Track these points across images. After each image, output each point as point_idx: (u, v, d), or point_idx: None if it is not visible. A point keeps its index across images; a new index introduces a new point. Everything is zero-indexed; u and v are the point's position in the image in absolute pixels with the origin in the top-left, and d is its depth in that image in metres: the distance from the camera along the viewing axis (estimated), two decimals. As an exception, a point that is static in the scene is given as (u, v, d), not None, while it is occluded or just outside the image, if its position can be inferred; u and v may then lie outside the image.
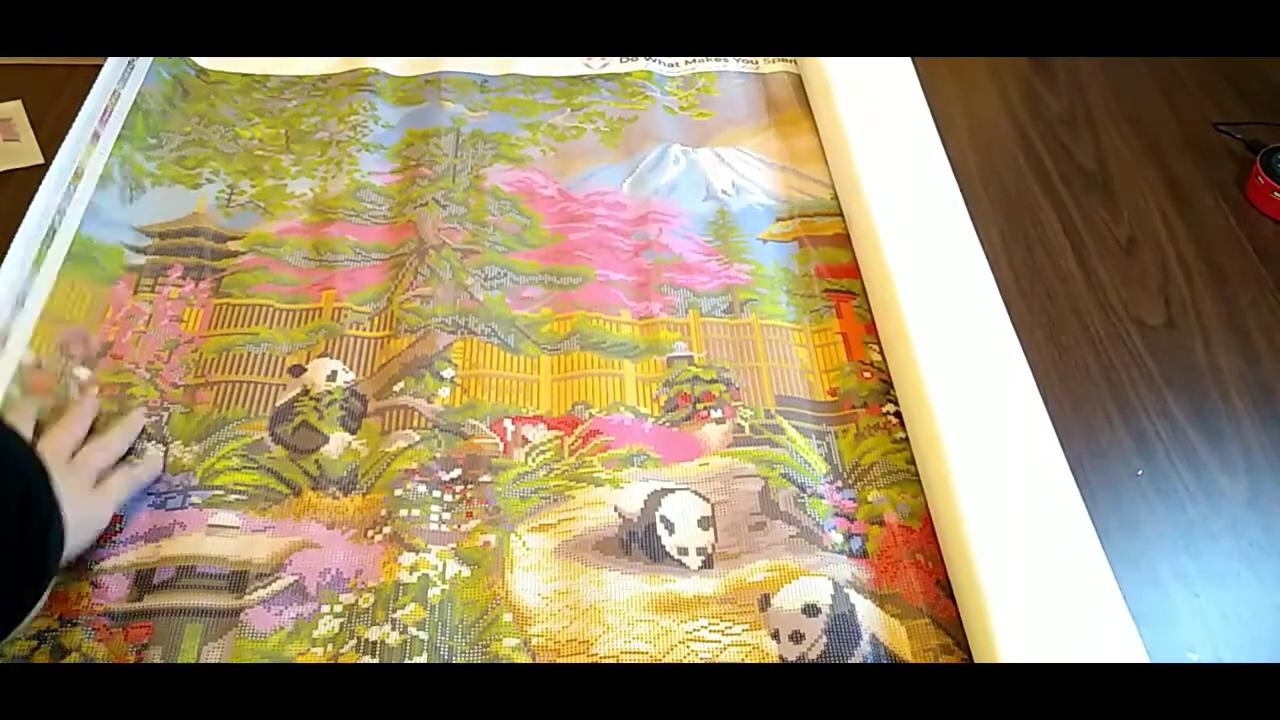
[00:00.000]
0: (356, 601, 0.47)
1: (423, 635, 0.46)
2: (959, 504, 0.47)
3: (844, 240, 0.64)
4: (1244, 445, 0.55)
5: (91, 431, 0.53)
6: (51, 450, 0.50)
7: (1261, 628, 0.48)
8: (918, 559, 0.50)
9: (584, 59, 0.75)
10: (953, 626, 0.47)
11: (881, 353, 0.58)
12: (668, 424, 0.55)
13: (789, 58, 0.76)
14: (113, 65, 0.70)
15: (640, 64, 0.75)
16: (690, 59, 0.75)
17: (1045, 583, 0.44)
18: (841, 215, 0.66)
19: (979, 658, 0.45)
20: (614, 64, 0.75)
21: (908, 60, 0.69)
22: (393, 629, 0.46)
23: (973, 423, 0.50)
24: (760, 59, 0.76)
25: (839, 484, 0.53)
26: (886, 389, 0.57)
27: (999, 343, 0.54)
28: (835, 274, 0.63)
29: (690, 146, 0.70)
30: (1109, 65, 0.80)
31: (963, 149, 0.71)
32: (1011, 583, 0.44)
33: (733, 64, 0.76)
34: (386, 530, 0.50)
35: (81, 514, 0.47)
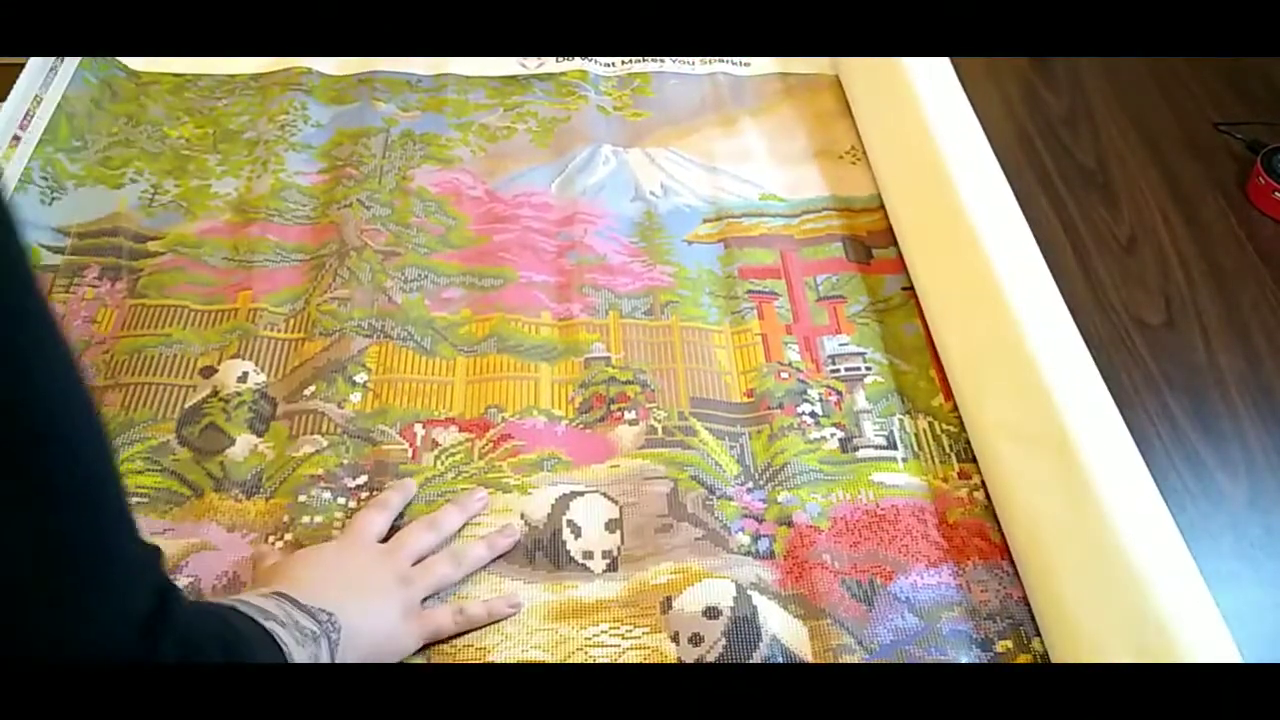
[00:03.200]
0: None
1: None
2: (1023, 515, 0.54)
3: (767, 241, 0.73)
4: (1244, 445, 0.63)
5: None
6: (358, 532, 0.55)
7: (1261, 628, 0.56)
8: (824, 559, 0.57)
9: (519, 59, 0.85)
10: (856, 625, 0.54)
11: (800, 352, 0.66)
12: (581, 425, 0.64)
13: (729, 58, 0.86)
14: (34, 68, 0.81)
15: (576, 64, 0.85)
16: (627, 59, 0.86)
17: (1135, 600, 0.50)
18: (765, 216, 0.75)
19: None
20: (549, 64, 0.85)
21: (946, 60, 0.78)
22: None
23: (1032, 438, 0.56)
24: (697, 59, 0.86)
25: (749, 485, 0.61)
26: (804, 389, 0.65)
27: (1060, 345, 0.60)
28: (759, 275, 0.71)
29: (621, 147, 0.79)
30: (1109, 65, 0.89)
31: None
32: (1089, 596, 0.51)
33: (669, 64, 0.86)
34: (288, 537, 0.57)
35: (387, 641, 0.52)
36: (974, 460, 0.61)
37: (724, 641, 0.54)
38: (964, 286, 0.62)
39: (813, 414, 0.63)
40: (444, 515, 0.58)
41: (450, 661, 0.53)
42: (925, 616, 0.54)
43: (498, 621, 0.54)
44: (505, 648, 0.54)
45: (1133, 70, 0.89)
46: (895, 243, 0.73)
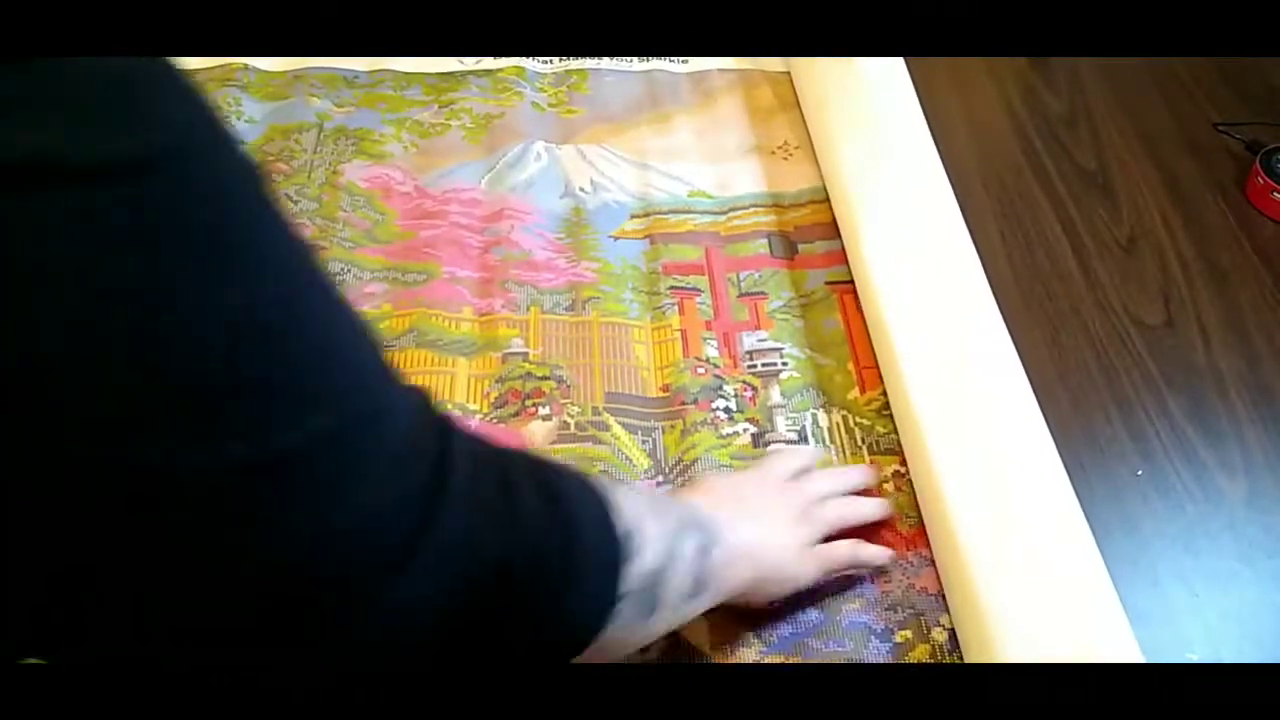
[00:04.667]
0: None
1: None
2: (950, 506, 0.59)
3: (693, 237, 0.81)
4: (1243, 445, 0.68)
5: None
6: (768, 467, 0.62)
7: (1261, 628, 0.61)
8: None
9: (458, 57, 0.93)
10: (756, 619, 0.60)
11: (718, 348, 0.74)
12: (494, 420, 0.70)
13: (670, 57, 0.94)
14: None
15: (512, 60, 0.93)
16: (564, 57, 0.93)
17: (1041, 584, 0.56)
18: (692, 213, 0.83)
19: (973, 659, 0.57)
20: (487, 60, 0.93)
21: (900, 60, 0.85)
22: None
23: (962, 423, 0.62)
24: (634, 58, 0.93)
25: (659, 479, 0.67)
26: (719, 385, 0.72)
27: (991, 342, 0.67)
28: (682, 271, 0.79)
29: (554, 143, 0.88)
30: (1109, 65, 0.96)
31: (962, 149, 0.87)
32: (1007, 585, 0.56)
33: (606, 62, 0.95)
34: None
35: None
36: (886, 453, 0.68)
37: None
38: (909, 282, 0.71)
39: (727, 409, 0.69)
40: (851, 470, 0.64)
41: None
42: (826, 609, 0.59)
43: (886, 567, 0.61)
44: None
45: (1132, 70, 0.96)
46: (820, 238, 0.81)
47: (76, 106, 0.25)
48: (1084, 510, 0.59)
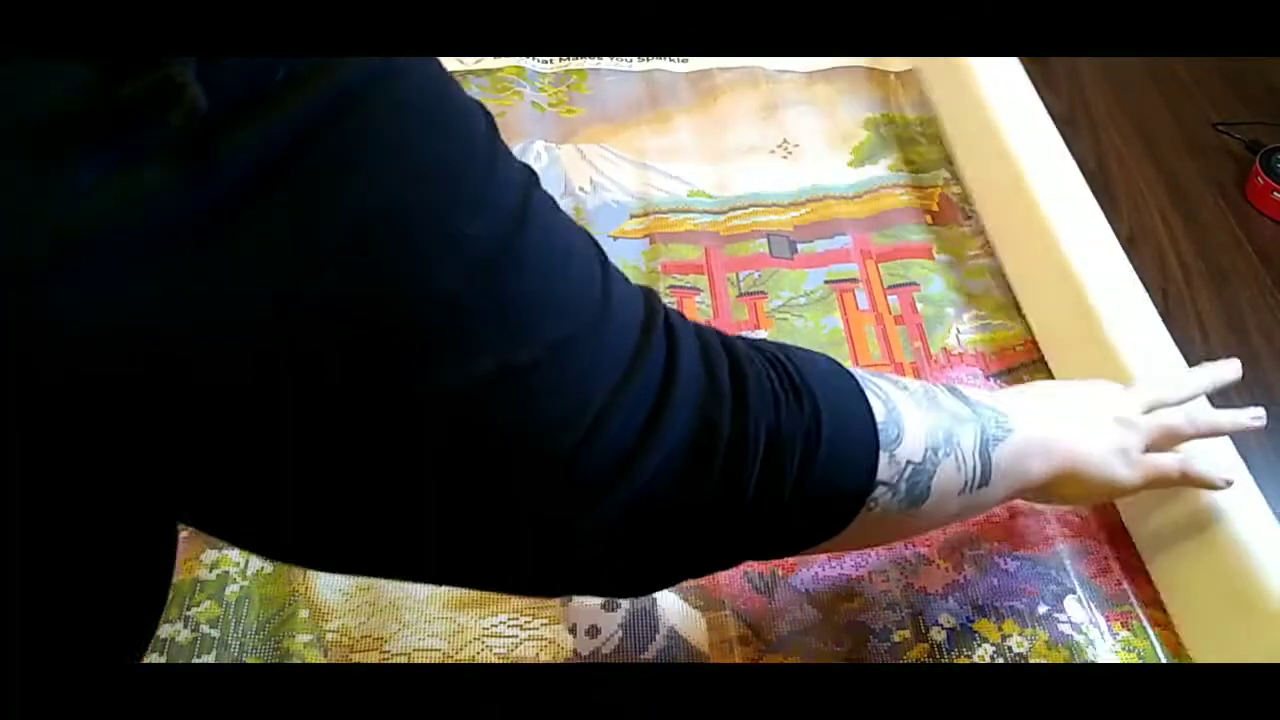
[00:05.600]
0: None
1: (214, 633, 0.62)
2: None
3: (693, 237, 0.82)
4: (1244, 445, 0.68)
5: None
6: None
7: None
8: None
9: (458, 57, 0.94)
10: (753, 618, 0.61)
11: None
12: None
13: (668, 56, 0.94)
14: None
15: (512, 60, 0.94)
16: (564, 57, 0.94)
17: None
18: (692, 212, 0.84)
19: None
20: (487, 61, 0.94)
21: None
22: (185, 626, 0.62)
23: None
24: (634, 58, 0.94)
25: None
26: None
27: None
28: (682, 270, 0.80)
29: (554, 143, 0.89)
30: (1109, 65, 0.97)
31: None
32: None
33: (606, 62, 0.96)
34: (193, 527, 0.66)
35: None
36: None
37: (620, 634, 0.61)
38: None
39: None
40: (1191, 375, 0.59)
41: (347, 651, 0.61)
42: (823, 608, 0.60)
43: (1219, 488, 0.57)
44: (403, 636, 0.62)
45: (1132, 70, 0.97)
46: (819, 237, 0.82)
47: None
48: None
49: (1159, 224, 0.84)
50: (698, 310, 0.77)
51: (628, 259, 0.80)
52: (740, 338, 0.41)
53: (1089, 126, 0.92)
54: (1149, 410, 0.56)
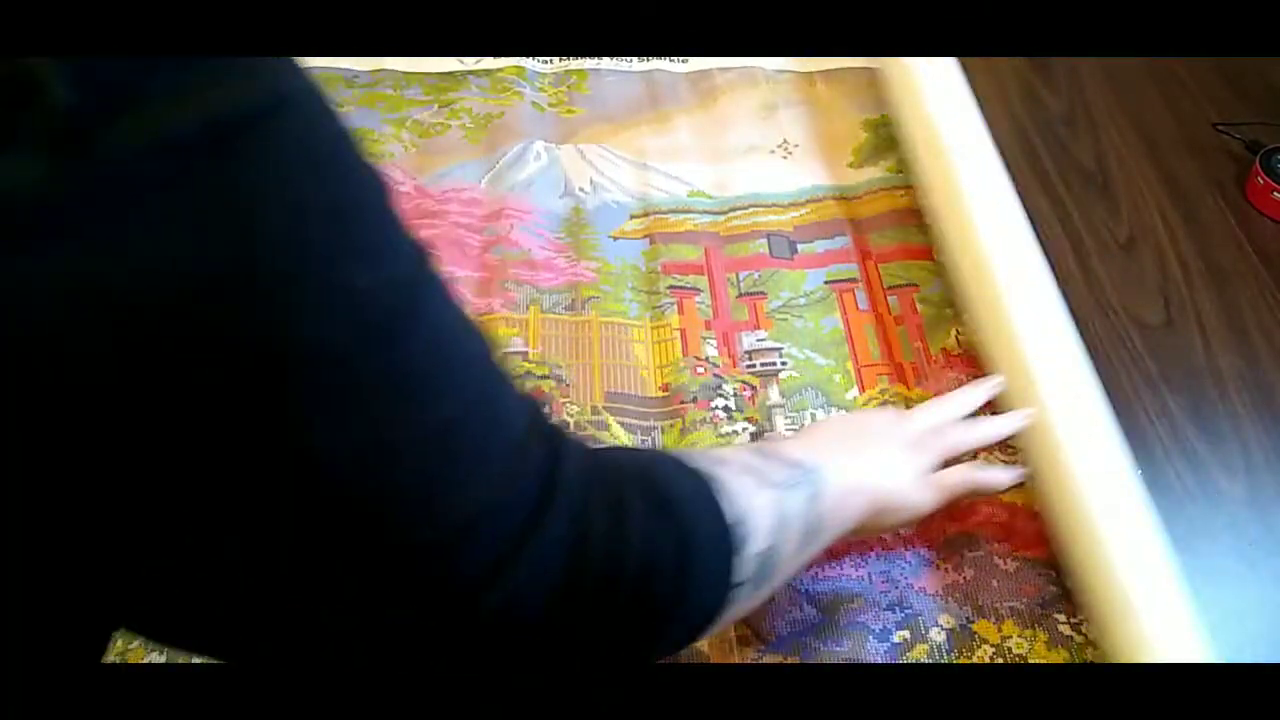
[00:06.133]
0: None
1: None
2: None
3: (693, 237, 0.82)
4: (1243, 445, 0.70)
5: None
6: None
7: (1261, 627, 0.62)
8: None
9: (458, 57, 0.95)
10: (753, 618, 0.61)
11: (717, 348, 0.75)
12: (492, 420, 0.71)
13: (668, 56, 0.95)
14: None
15: (512, 60, 0.94)
16: (564, 57, 0.95)
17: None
18: (692, 213, 0.84)
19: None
20: (487, 60, 0.95)
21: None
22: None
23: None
24: (634, 57, 0.95)
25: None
26: (719, 384, 0.73)
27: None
28: (682, 270, 0.80)
29: (554, 143, 0.89)
30: (1109, 65, 0.98)
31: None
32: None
33: (606, 62, 0.96)
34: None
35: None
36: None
37: None
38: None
39: (726, 408, 0.70)
40: (959, 394, 0.63)
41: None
42: (824, 609, 0.60)
43: (1008, 491, 0.62)
44: None
45: (1132, 70, 0.97)
46: (819, 237, 0.82)
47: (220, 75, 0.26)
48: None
49: (1159, 224, 0.84)
50: (698, 310, 0.77)
51: (627, 259, 0.80)
52: (612, 448, 0.43)
53: (1089, 126, 0.92)
54: (931, 431, 0.59)
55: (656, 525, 0.41)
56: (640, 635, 0.42)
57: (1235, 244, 0.83)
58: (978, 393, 0.63)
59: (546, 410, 0.38)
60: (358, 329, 0.28)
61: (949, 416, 0.61)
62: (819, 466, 0.52)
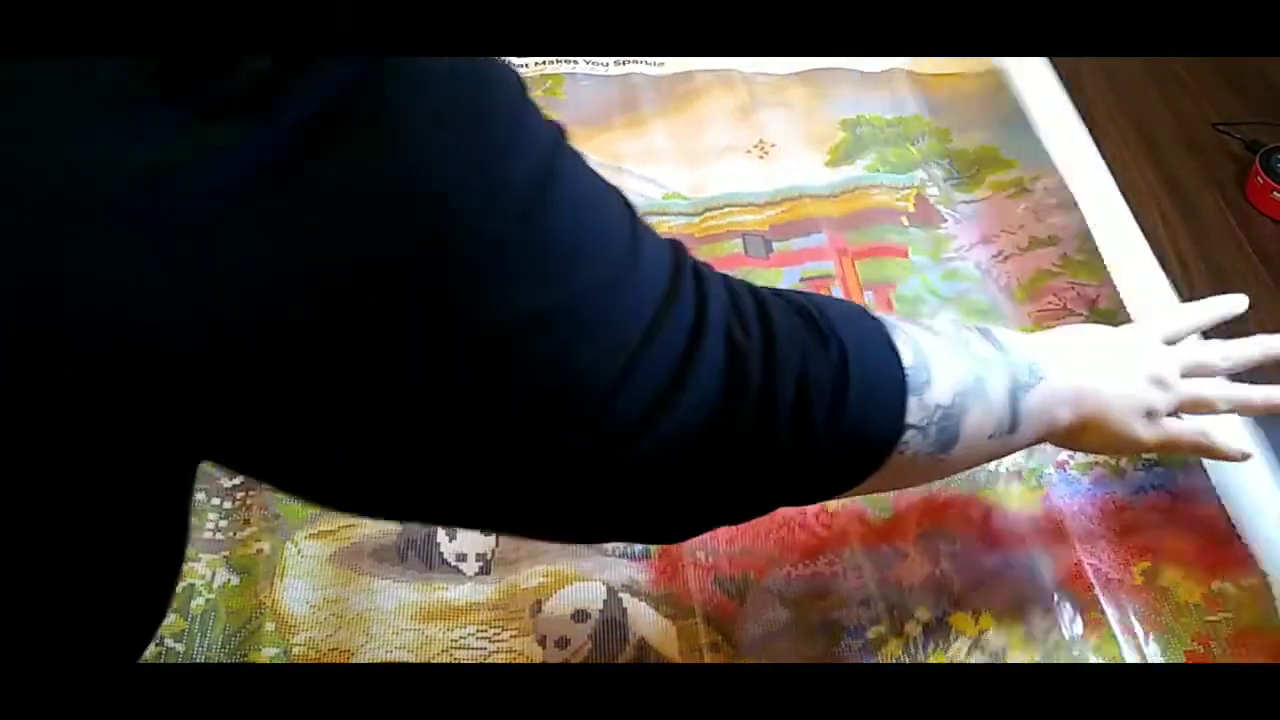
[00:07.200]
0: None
1: (179, 647, 0.62)
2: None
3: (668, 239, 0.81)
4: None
5: None
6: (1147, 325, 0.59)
7: None
8: (698, 557, 0.64)
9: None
10: (724, 623, 0.61)
11: None
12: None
13: (642, 58, 0.95)
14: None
15: None
16: (540, 59, 0.95)
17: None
18: (667, 215, 0.84)
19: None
20: None
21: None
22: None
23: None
24: (610, 60, 0.95)
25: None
26: None
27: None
28: None
29: None
30: (1109, 65, 0.98)
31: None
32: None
33: (581, 65, 0.96)
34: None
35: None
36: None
37: (590, 644, 0.61)
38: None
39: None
40: (1242, 344, 0.59)
41: (314, 661, 0.61)
42: (796, 608, 0.59)
43: (1236, 460, 0.58)
44: (370, 649, 0.62)
45: (1132, 70, 0.98)
46: (795, 235, 0.82)
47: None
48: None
49: (1159, 224, 0.83)
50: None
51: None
52: (767, 287, 0.43)
53: (1089, 126, 0.92)
54: (1186, 373, 0.56)
55: (816, 346, 0.41)
56: (798, 468, 0.42)
57: (1235, 244, 0.82)
58: (1260, 348, 0.59)
59: (686, 251, 0.40)
60: (510, 213, 0.32)
61: (1216, 366, 0.58)
62: (1036, 360, 0.51)
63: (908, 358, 0.44)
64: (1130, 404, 0.54)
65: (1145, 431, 0.54)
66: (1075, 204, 0.82)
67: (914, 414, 0.44)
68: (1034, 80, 0.92)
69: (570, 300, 0.34)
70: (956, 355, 0.47)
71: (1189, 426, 0.56)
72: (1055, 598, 0.61)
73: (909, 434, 0.44)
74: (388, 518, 0.41)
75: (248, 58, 0.26)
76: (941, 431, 0.46)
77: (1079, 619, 0.60)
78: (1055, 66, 0.96)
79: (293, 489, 0.38)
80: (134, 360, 0.28)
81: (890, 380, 0.44)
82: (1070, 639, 0.59)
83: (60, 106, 0.25)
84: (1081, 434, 0.54)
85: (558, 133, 0.35)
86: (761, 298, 0.41)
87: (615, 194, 0.37)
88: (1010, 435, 0.50)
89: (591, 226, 0.35)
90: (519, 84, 0.34)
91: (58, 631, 0.35)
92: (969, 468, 0.52)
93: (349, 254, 0.29)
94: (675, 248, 0.39)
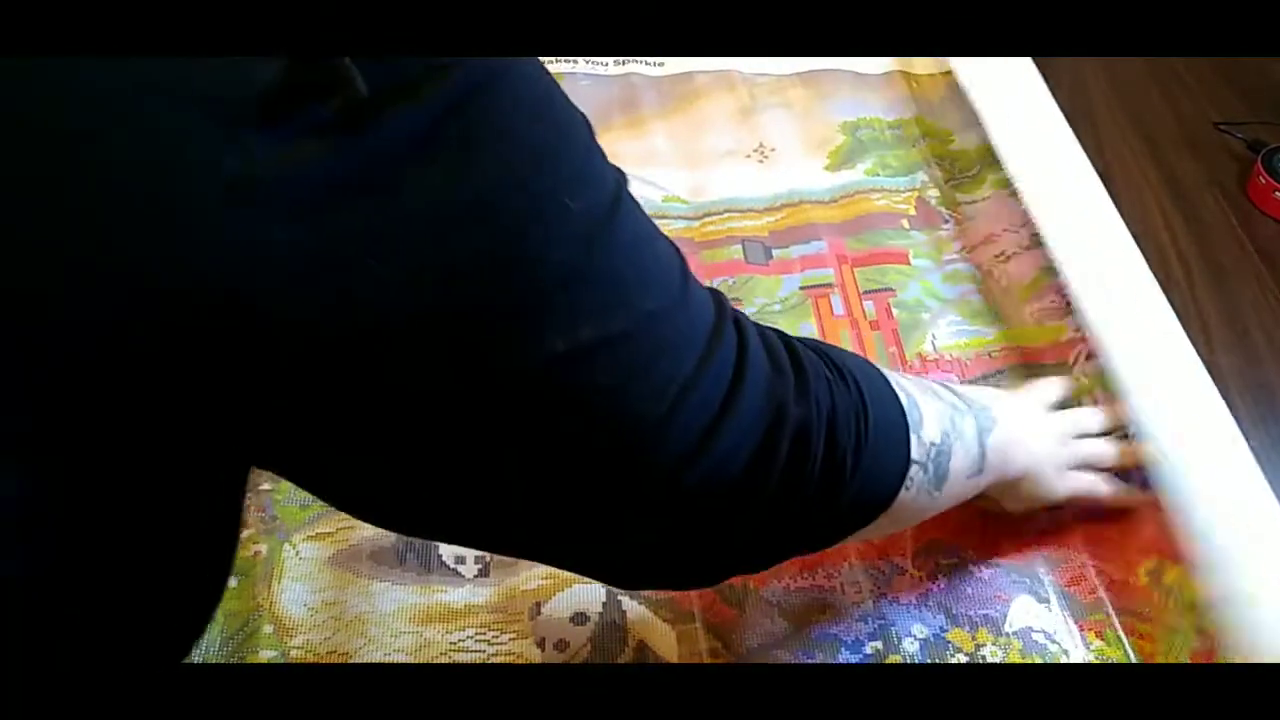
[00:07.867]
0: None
1: None
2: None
3: None
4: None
5: None
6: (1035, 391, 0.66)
7: None
8: None
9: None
10: (723, 630, 0.62)
11: None
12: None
13: (642, 59, 0.95)
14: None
15: None
16: (539, 59, 0.94)
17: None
18: (667, 218, 0.84)
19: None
20: None
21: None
22: (149, 642, 0.63)
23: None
24: (610, 60, 0.95)
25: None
26: None
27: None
28: None
29: None
30: (1109, 65, 0.98)
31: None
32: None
33: (581, 65, 0.96)
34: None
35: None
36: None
37: (589, 647, 0.62)
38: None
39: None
40: (1094, 412, 0.66)
41: (314, 663, 0.62)
42: (794, 620, 0.60)
43: (1138, 504, 0.64)
44: (367, 651, 0.62)
45: (1133, 70, 0.98)
46: (795, 242, 0.82)
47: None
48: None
49: (1160, 223, 0.84)
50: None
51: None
52: (787, 335, 0.45)
53: (1089, 126, 0.92)
54: (1076, 436, 0.63)
55: (838, 383, 0.44)
56: (825, 504, 0.43)
57: (1237, 243, 0.83)
58: (1104, 418, 0.66)
59: (725, 297, 0.42)
60: (574, 242, 0.34)
61: (1092, 428, 0.64)
62: (988, 406, 0.55)
63: (902, 396, 0.47)
64: (1051, 459, 0.61)
65: (1059, 484, 0.61)
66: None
67: (916, 450, 0.47)
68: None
69: (630, 328, 0.35)
70: (932, 396, 0.51)
71: (1086, 476, 0.63)
72: (1056, 607, 0.62)
73: (913, 469, 0.47)
74: (429, 537, 0.42)
75: (344, 84, 0.28)
76: (937, 468, 0.49)
77: (1080, 635, 0.61)
78: (1056, 67, 0.97)
79: (344, 504, 0.39)
80: (193, 356, 0.29)
81: (897, 416, 0.47)
82: (1071, 646, 0.60)
83: (184, 112, 0.27)
84: (1019, 482, 0.59)
85: (619, 174, 0.38)
86: (785, 336, 0.44)
87: (664, 237, 0.40)
88: (979, 476, 0.54)
89: (650, 261, 0.37)
90: (589, 126, 0.37)
91: (110, 631, 0.36)
92: (945, 508, 0.55)
93: (421, 272, 0.31)
94: (718, 294, 0.41)
